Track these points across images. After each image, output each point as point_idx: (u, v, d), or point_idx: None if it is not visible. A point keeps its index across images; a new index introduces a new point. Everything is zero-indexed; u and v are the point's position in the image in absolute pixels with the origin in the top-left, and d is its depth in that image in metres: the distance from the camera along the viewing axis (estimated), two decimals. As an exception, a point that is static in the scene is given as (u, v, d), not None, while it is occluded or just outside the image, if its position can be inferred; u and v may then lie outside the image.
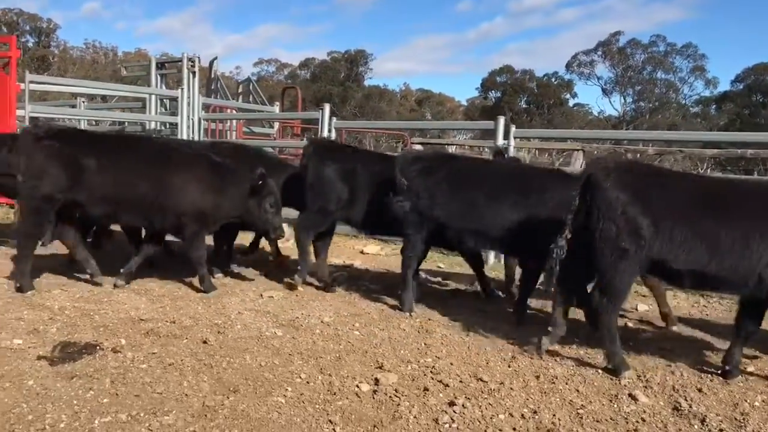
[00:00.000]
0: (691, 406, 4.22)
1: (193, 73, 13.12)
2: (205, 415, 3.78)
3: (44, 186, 6.06)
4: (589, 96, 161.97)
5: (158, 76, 15.10)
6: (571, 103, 65.69)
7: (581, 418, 4.00)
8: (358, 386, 4.29)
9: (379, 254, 9.42)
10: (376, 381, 4.38)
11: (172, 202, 6.28)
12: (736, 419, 4.08)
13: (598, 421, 3.97)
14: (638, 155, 11.90)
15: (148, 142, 7.58)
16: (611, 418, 4.03)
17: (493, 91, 66.93)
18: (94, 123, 17.61)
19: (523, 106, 63.49)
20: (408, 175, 6.12)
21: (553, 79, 64.72)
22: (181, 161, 6.50)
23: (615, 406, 4.22)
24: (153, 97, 14.22)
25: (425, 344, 5.28)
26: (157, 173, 6.32)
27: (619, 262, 4.66)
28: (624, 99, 63.54)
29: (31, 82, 11.15)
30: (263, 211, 6.48)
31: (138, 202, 6.26)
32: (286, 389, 4.20)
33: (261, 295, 6.56)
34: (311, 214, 6.96)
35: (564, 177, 6.17)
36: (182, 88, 12.85)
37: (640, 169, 5.05)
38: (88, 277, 6.55)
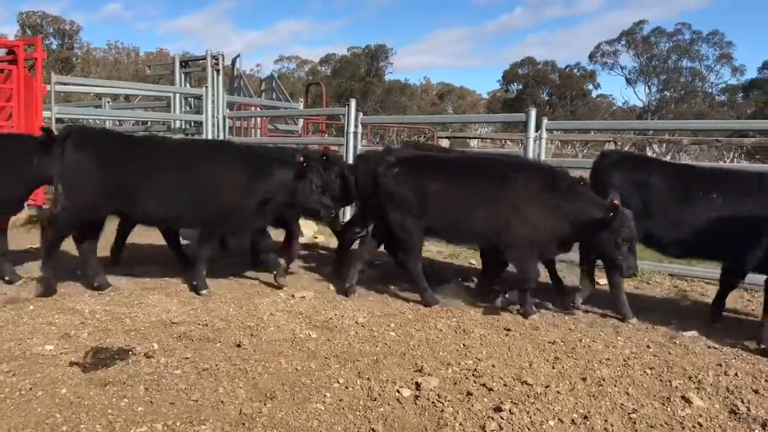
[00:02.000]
0: (749, 410, 4.01)
1: (217, 71, 13.02)
2: (243, 424, 3.65)
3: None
4: (612, 86, 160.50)
5: (182, 75, 15.05)
6: (594, 94, 64.96)
7: (634, 423, 3.80)
8: (398, 391, 4.13)
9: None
10: (417, 385, 4.21)
11: (506, 224, 5.92)
12: (798, 423, 3.86)
13: (652, 427, 3.78)
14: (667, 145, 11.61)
15: (488, 162, 6.86)
16: (666, 423, 3.84)
17: (514, 84, 66.37)
18: (118, 123, 17.71)
19: (546, 97, 62.86)
20: None
21: (575, 70, 64.01)
22: (519, 183, 6.00)
23: (668, 409, 4.02)
24: (177, 95, 14.16)
25: (464, 345, 5.11)
26: (496, 195, 6.00)
27: None
28: (648, 89, 62.71)
29: (57, 83, 11.18)
30: (615, 245, 5.61)
31: (476, 225, 6.07)
32: (325, 395, 4.06)
33: (293, 296, 6.40)
34: None
35: None
36: (206, 86, 12.78)
37: None
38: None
